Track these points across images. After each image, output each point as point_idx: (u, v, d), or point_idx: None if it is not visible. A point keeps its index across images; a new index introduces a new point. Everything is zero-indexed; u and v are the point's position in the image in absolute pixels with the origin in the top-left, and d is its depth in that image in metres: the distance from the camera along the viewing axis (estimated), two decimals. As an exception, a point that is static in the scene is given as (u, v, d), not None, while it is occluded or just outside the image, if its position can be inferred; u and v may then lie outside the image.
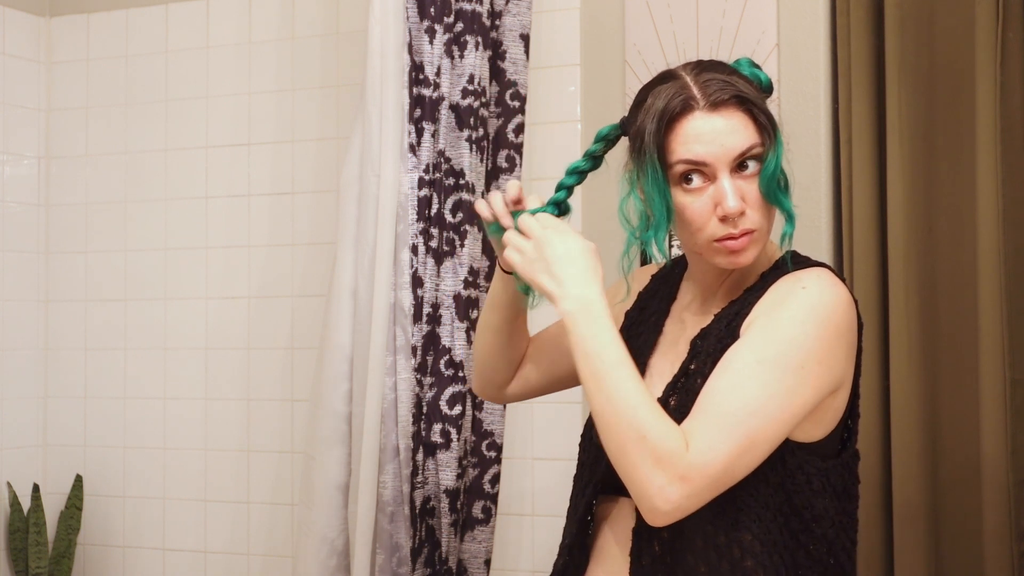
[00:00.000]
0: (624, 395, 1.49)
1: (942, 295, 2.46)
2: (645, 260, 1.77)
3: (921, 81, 2.48)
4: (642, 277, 1.87)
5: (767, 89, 1.68)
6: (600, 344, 1.53)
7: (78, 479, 3.31)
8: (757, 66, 1.69)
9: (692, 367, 1.63)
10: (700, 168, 1.59)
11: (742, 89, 1.59)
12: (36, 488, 3.28)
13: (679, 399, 1.61)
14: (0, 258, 3.32)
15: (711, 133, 1.58)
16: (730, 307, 1.66)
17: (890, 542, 2.47)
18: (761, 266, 1.69)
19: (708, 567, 1.56)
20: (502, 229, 1.72)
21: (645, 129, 1.61)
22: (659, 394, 1.65)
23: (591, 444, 1.73)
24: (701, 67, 1.64)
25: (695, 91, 1.59)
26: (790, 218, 1.62)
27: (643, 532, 1.60)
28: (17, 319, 3.36)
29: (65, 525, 3.27)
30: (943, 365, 2.45)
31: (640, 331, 1.78)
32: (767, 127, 1.60)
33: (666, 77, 1.65)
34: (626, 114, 1.71)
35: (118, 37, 3.37)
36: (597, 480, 1.68)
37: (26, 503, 3.27)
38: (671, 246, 2.16)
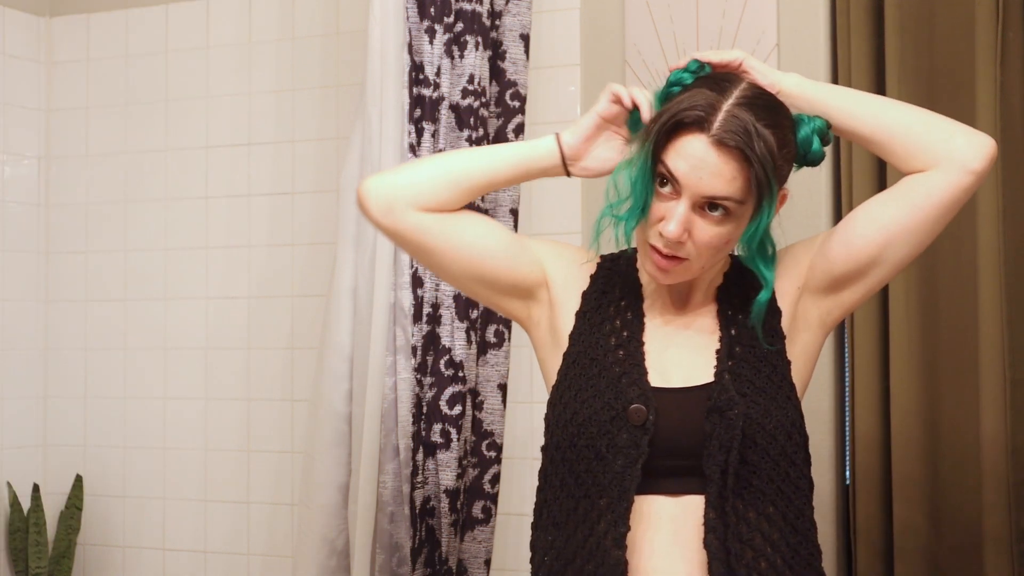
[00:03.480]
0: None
1: (942, 295, 2.46)
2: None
3: (921, 81, 2.48)
4: (591, 257, 1.81)
5: (809, 160, 1.68)
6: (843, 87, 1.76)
7: (78, 479, 3.31)
8: (822, 136, 1.68)
9: (732, 332, 1.69)
10: (672, 182, 1.60)
11: (755, 147, 1.57)
12: (36, 488, 3.28)
13: (734, 369, 1.65)
14: (0, 258, 3.32)
15: (699, 161, 1.58)
16: (726, 295, 1.73)
17: (890, 542, 2.47)
18: (723, 267, 1.75)
19: (772, 548, 1.62)
20: (637, 123, 1.71)
21: (658, 120, 1.61)
22: (687, 374, 1.67)
23: (617, 451, 1.63)
24: (748, 101, 1.61)
25: (716, 117, 1.58)
26: (767, 284, 1.64)
27: (716, 524, 1.60)
28: (17, 319, 3.36)
29: (65, 525, 3.27)
30: (943, 365, 2.45)
31: (613, 314, 1.74)
32: (762, 194, 1.58)
33: (719, 82, 1.64)
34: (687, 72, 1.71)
35: (118, 37, 3.37)
36: (635, 484, 1.61)
37: (26, 503, 3.27)
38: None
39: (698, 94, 1.61)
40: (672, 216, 1.59)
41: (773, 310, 1.71)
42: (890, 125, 1.69)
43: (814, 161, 1.69)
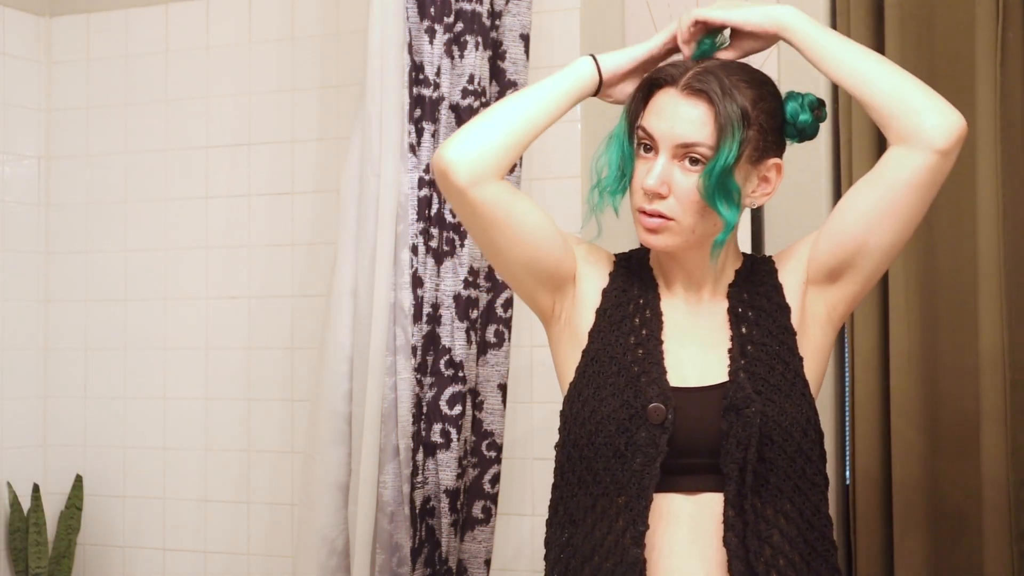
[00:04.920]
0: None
1: (942, 295, 2.46)
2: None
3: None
4: (607, 256, 1.84)
5: (800, 129, 1.70)
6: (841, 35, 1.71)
7: (78, 479, 3.32)
8: (813, 109, 1.70)
9: (743, 331, 1.70)
10: (651, 141, 1.66)
11: (721, 91, 1.62)
12: (36, 488, 3.28)
13: (747, 368, 1.66)
14: (0, 258, 3.32)
15: (669, 112, 1.64)
16: (737, 293, 1.73)
17: (890, 542, 2.47)
18: (733, 263, 1.77)
19: (790, 545, 1.63)
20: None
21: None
22: (702, 373, 1.68)
23: (635, 449, 1.63)
24: (723, 63, 1.68)
25: (686, 72, 1.66)
26: (726, 227, 1.65)
27: (735, 522, 1.61)
28: (17, 319, 3.36)
29: (65, 525, 3.27)
30: (943, 365, 2.45)
31: (632, 312, 1.75)
32: (724, 131, 1.61)
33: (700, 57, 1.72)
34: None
35: (118, 37, 3.37)
36: (655, 483, 1.62)
37: (26, 503, 3.27)
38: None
39: (675, 61, 1.70)
40: (649, 169, 1.65)
41: (782, 306, 1.72)
42: (874, 91, 1.66)
43: (805, 131, 1.71)
